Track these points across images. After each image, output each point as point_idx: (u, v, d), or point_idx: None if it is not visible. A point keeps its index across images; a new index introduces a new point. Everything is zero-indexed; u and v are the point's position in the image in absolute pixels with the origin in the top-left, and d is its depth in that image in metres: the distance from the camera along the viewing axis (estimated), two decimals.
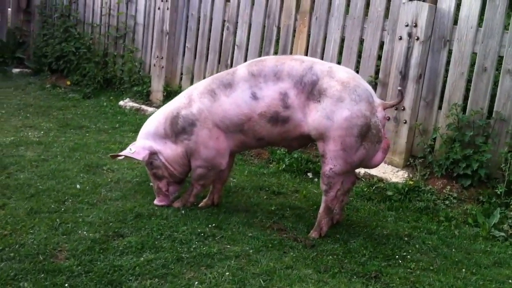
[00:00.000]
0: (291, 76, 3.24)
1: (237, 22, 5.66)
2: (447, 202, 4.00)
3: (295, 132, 3.30)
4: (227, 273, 2.77)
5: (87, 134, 5.17)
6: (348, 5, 4.83)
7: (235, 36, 5.68)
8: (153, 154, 3.45)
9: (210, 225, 3.32)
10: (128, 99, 6.47)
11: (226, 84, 3.34)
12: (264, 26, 5.43)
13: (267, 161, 4.83)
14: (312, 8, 5.04)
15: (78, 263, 2.75)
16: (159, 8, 6.33)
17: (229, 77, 3.36)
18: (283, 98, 3.23)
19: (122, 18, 6.94)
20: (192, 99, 3.43)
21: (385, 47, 4.58)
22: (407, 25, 4.34)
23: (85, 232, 3.07)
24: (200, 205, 3.67)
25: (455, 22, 4.24)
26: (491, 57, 4.06)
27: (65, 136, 5.05)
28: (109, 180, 3.97)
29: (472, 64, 4.19)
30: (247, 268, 2.86)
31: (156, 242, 3.03)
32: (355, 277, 2.91)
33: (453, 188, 4.09)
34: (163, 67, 6.30)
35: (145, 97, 6.47)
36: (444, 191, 4.09)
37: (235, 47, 5.67)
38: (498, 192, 3.87)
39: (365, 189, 4.22)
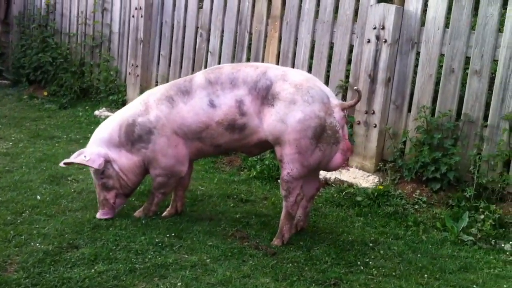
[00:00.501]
0: (246, 82, 3.20)
1: (210, 29, 5.61)
2: (416, 206, 3.94)
3: (253, 138, 3.25)
4: (179, 284, 2.70)
5: (56, 145, 5.10)
6: (318, 9, 4.78)
7: (208, 43, 5.63)
8: (107, 162, 3.34)
9: (169, 235, 3.25)
10: (104, 108, 6.40)
11: (184, 91, 3.28)
12: (236, 32, 5.37)
13: (238, 168, 4.76)
14: (282, 13, 4.99)
15: (27, 276, 2.68)
16: (133, 16, 6.28)
17: (187, 84, 3.31)
18: (239, 106, 3.18)
19: (98, 27, 6.89)
20: (149, 105, 3.35)
21: (354, 50, 4.53)
22: (374, 28, 4.29)
23: (38, 244, 3.00)
24: (163, 214, 3.60)
25: (423, 23, 4.19)
26: (459, 58, 4.01)
27: (34, 146, 4.98)
28: (72, 190, 3.89)
29: (440, 66, 4.13)
30: (202, 278, 2.79)
31: (111, 253, 2.96)
32: (314, 284, 2.84)
33: (422, 192, 4.03)
34: (138, 75, 6.25)
35: (121, 106, 6.35)
36: (414, 195, 4.03)
37: (209, 53, 5.61)
38: (467, 195, 3.81)
39: (335, 195, 4.16)
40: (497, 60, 3.85)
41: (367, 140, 4.38)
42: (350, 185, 4.24)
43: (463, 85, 4.04)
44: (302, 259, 3.11)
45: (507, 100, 3.81)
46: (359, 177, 4.32)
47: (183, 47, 5.91)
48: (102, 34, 6.83)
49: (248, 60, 5.27)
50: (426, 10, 4.17)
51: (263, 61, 5.13)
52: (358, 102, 3.32)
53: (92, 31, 6.97)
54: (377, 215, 3.88)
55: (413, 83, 4.26)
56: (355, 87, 3.41)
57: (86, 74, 6.97)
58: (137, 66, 6.27)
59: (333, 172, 4.40)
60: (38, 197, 3.70)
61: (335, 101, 3.23)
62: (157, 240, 3.15)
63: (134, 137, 3.34)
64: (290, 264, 3.03)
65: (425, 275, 3.03)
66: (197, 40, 5.75)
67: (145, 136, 3.32)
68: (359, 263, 3.12)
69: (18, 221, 3.30)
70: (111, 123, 3.44)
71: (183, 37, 5.89)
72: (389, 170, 4.25)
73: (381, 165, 4.33)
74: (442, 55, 4.11)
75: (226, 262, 2.98)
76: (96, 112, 6.32)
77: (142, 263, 2.88)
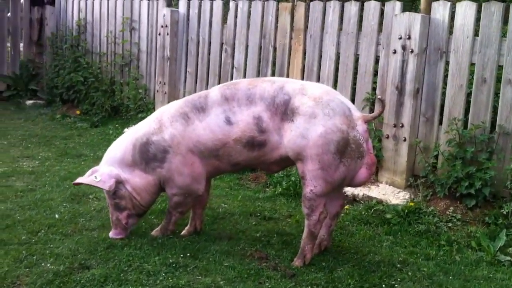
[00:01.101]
0: (263, 98, 3.07)
1: (234, 44, 5.53)
2: (450, 224, 3.71)
3: (273, 155, 3.11)
4: None
5: (82, 163, 5.08)
6: (341, 21, 4.64)
7: (233, 59, 5.55)
8: (119, 183, 3.24)
9: (185, 255, 3.13)
10: (133, 126, 6.37)
11: (199, 108, 3.17)
12: (260, 47, 5.28)
13: (264, 185, 4.62)
14: (306, 25, 4.87)
15: None
16: (159, 34, 6.27)
17: (202, 101, 3.19)
18: (257, 122, 3.05)
19: (127, 46, 6.91)
20: (163, 123, 3.23)
21: (380, 62, 4.36)
22: (400, 38, 4.12)
23: (49, 265, 2.92)
24: (182, 233, 3.49)
25: (451, 32, 3.99)
26: (490, 67, 3.79)
27: (60, 165, 4.96)
28: (92, 209, 3.83)
29: (472, 76, 3.92)
30: None
31: (122, 274, 2.85)
32: None
33: (457, 209, 3.80)
34: (166, 92, 6.21)
35: None
36: (447, 212, 3.80)
37: (234, 69, 5.53)
38: (505, 212, 3.56)
39: (363, 212, 3.97)
40: None
41: (397, 155, 4.19)
42: (379, 201, 4.04)
43: (497, 95, 3.81)
44: (323, 281, 2.94)
45: None
46: (389, 193, 4.12)
47: (208, 63, 5.85)
48: (131, 52, 6.84)
49: (273, 74, 5.16)
50: (453, 18, 3.97)
51: (288, 75, 5.01)
52: (381, 113, 3.17)
53: (121, 50, 7.00)
54: (407, 234, 3.66)
55: (444, 94, 4.05)
56: (378, 96, 3.24)
57: (117, 92, 6.99)
58: (164, 84, 6.23)
59: (362, 189, 4.23)
60: (57, 215, 3.65)
61: (357, 113, 3.08)
62: (171, 261, 3.03)
63: (148, 156, 3.23)
64: (309, 287, 2.86)
65: None
66: (222, 56, 5.68)
67: (160, 155, 3.21)
68: (384, 286, 2.93)
69: (33, 240, 3.25)
70: (124, 142, 3.33)
71: (209, 53, 5.84)
72: (420, 186, 4.04)
73: (412, 181, 4.13)
74: (472, 64, 3.90)
75: (241, 284, 2.84)
76: (125, 130, 6.29)
77: (153, 285, 2.77)
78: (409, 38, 4.06)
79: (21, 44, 8.40)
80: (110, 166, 3.27)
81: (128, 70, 6.90)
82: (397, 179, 4.17)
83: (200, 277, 2.89)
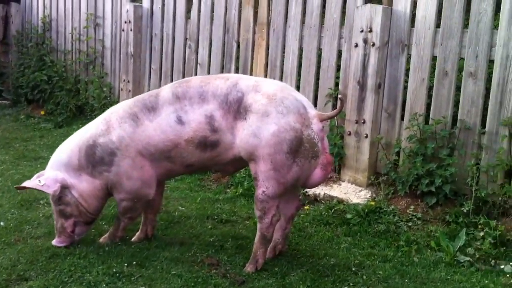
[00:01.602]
0: (216, 96, 2.92)
1: (198, 40, 5.37)
2: (410, 223, 3.60)
3: (227, 155, 2.97)
4: None
5: (39, 166, 4.89)
6: (304, 14, 4.50)
7: (197, 54, 5.39)
8: (64, 188, 3.07)
9: (131, 263, 2.98)
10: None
11: (149, 108, 3.00)
12: (224, 42, 5.13)
13: (225, 186, 4.48)
14: (269, 19, 4.73)
15: None
16: (123, 30, 6.09)
17: (152, 100, 3.02)
18: (210, 121, 2.90)
19: (91, 43, 6.72)
20: (110, 125, 3.06)
21: (343, 56, 4.23)
22: (362, 31, 3.98)
23: None
24: (132, 239, 3.34)
25: (413, 24, 3.86)
26: (452, 59, 3.67)
27: (16, 168, 4.79)
28: (40, 215, 3.67)
29: (433, 69, 3.80)
30: None
31: (61, 286, 2.71)
32: None
33: (417, 208, 3.69)
34: (130, 90, 6.04)
35: None
36: (408, 211, 3.69)
37: (198, 65, 5.37)
38: (465, 211, 3.45)
39: (324, 213, 3.84)
40: (493, 60, 3.50)
41: (359, 152, 4.06)
42: (340, 201, 3.92)
43: (458, 89, 3.69)
44: (274, 287, 2.81)
45: (505, 104, 3.45)
46: (351, 192, 4.00)
47: (173, 59, 5.69)
48: (95, 50, 6.66)
49: (236, 70, 5.01)
50: (416, 9, 3.85)
51: (251, 71, 4.87)
52: (339, 112, 3.03)
53: (86, 47, 6.81)
54: (366, 234, 3.55)
55: (406, 88, 3.93)
56: (339, 96, 3.11)
57: (81, 91, 6.80)
58: (128, 81, 6.07)
59: (323, 188, 4.11)
60: (2, 223, 3.48)
61: (313, 111, 2.95)
62: (114, 270, 2.88)
63: (95, 160, 3.06)
64: None
65: None
66: (187, 52, 5.52)
67: (107, 158, 3.04)
68: None
69: None
70: (70, 145, 3.16)
71: (173, 50, 5.67)
72: (382, 184, 3.92)
73: (373, 179, 4.00)
74: (434, 58, 3.77)
75: None
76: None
77: None
78: (371, 31, 3.94)
79: None
80: (56, 170, 3.10)
81: (92, 68, 6.71)
82: (359, 177, 4.05)
83: (143, 287, 2.75)
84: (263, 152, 2.82)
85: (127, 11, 5.99)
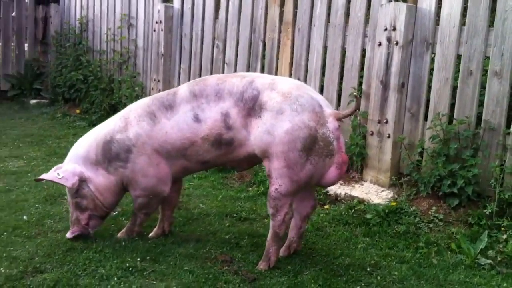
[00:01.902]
0: (232, 94, 2.93)
1: (226, 39, 5.40)
2: (431, 225, 3.52)
3: (241, 152, 2.98)
4: None
5: None
6: (329, 13, 4.46)
7: (224, 54, 5.42)
8: (82, 181, 3.14)
9: (146, 258, 3.01)
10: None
11: (167, 106, 3.03)
12: (250, 42, 5.13)
13: (248, 184, 4.49)
14: (294, 18, 4.71)
15: None
16: (154, 30, 6.18)
17: (170, 98, 3.06)
18: (225, 119, 2.92)
19: (125, 43, 6.85)
20: (129, 122, 3.11)
21: (367, 55, 4.17)
22: (385, 29, 3.93)
23: (2, 268, 2.84)
24: (149, 235, 3.38)
25: (438, 22, 3.78)
26: (477, 58, 3.58)
27: (46, 165, 4.91)
28: (63, 210, 3.75)
29: (458, 69, 3.71)
30: None
31: (74, 279, 2.75)
32: None
33: (439, 209, 3.61)
34: (160, 90, 6.11)
35: None
36: (430, 212, 3.61)
37: (225, 65, 5.40)
38: (488, 213, 3.36)
39: (344, 212, 3.79)
40: None
41: (381, 152, 4.00)
42: (361, 201, 3.87)
43: (484, 88, 3.59)
44: (285, 286, 2.80)
45: None
46: (372, 192, 3.94)
47: (201, 59, 5.73)
48: (129, 50, 6.78)
49: (262, 69, 5.01)
50: (441, 7, 3.76)
51: (276, 70, 4.86)
52: (355, 111, 3.01)
53: (120, 47, 6.94)
54: (385, 235, 3.49)
55: (429, 88, 3.85)
56: (354, 93, 3.07)
57: (115, 90, 6.93)
58: (159, 81, 6.15)
59: (345, 187, 4.08)
60: (25, 217, 3.58)
61: (329, 110, 2.93)
62: (127, 265, 2.92)
63: (111, 155, 3.11)
64: None
65: None
66: (214, 52, 5.55)
67: (123, 155, 3.09)
68: None
69: None
70: (89, 140, 3.23)
71: (201, 49, 5.71)
72: (404, 185, 3.85)
73: (395, 179, 3.93)
74: (459, 56, 3.68)
75: None
76: None
77: None
78: (394, 29, 3.87)
79: (26, 43, 8.40)
80: (74, 163, 3.17)
81: (125, 67, 6.83)
82: (382, 178, 3.99)
83: (154, 282, 2.77)
84: (277, 149, 2.82)
85: (158, 11, 6.08)
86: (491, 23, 3.55)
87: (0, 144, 5.66)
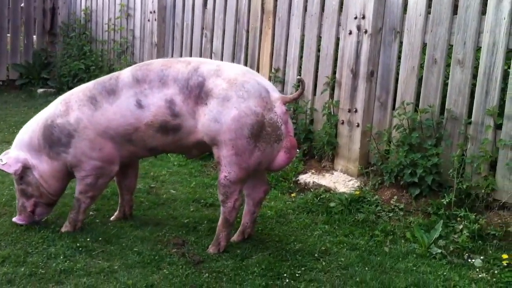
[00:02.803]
0: (177, 80, 2.93)
1: (213, 29, 5.44)
2: (391, 214, 3.51)
3: (190, 140, 2.99)
4: None
5: None
6: (307, 1, 4.46)
7: (212, 44, 5.46)
8: (26, 168, 3.10)
9: (98, 239, 3.09)
10: None
11: (109, 90, 3.01)
12: (235, 31, 5.16)
13: None
14: (275, 8, 4.72)
15: None
16: (148, 20, 6.26)
17: (112, 82, 3.03)
18: (170, 106, 2.92)
19: (124, 33, 6.95)
20: (69, 106, 3.06)
21: (340, 43, 4.16)
22: (355, 18, 3.92)
23: None
24: (111, 218, 3.45)
25: (405, 10, 3.75)
26: (441, 46, 3.54)
27: None
28: None
29: (424, 57, 3.68)
30: (98, 287, 2.60)
31: (23, 256, 2.85)
32: None
33: (401, 199, 3.59)
34: None
35: None
36: (391, 201, 3.60)
37: (213, 54, 5.44)
38: (445, 202, 3.33)
39: (309, 201, 3.81)
40: (481, 47, 3.35)
41: (351, 141, 4.00)
42: (328, 190, 3.88)
43: (448, 77, 3.56)
44: (227, 269, 2.84)
45: (491, 93, 3.29)
46: (340, 181, 3.95)
47: (191, 48, 5.78)
48: (127, 39, 6.88)
49: (246, 59, 5.04)
50: None
51: (258, 60, 4.88)
52: (300, 94, 2.98)
53: (119, 38, 7.05)
54: (345, 223, 3.49)
55: (397, 77, 3.82)
56: (298, 77, 3.08)
57: None
58: None
59: (315, 176, 4.10)
60: None
61: (276, 94, 2.94)
62: (78, 244, 3.00)
63: (52, 140, 3.05)
64: (208, 275, 2.77)
65: None
66: (203, 41, 5.60)
67: (64, 139, 3.04)
68: (287, 275, 2.79)
69: None
70: (32, 125, 3.15)
71: (191, 39, 5.77)
72: (371, 174, 3.84)
73: (362, 169, 3.92)
74: (425, 45, 3.65)
75: (138, 270, 2.78)
76: None
77: (47, 268, 2.74)
78: (364, 17, 3.86)
79: (34, 34, 8.59)
80: (19, 150, 3.14)
81: (124, 57, 6.93)
82: (351, 167, 3.99)
83: (100, 262, 2.85)
84: (225, 137, 2.84)
85: (152, 1, 6.15)
86: (455, 11, 3.50)
87: None
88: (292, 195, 3.93)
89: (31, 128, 3.15)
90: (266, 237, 3.29)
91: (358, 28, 3.89)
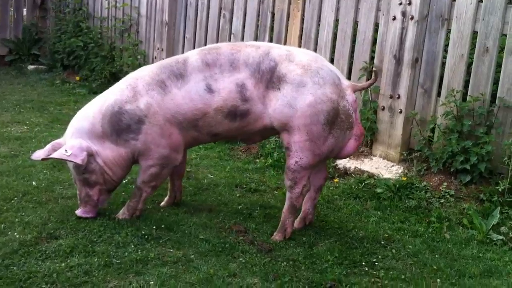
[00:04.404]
0: (248, 64, 2.87)
1: (233, 9, 5.32)
2: (442, 200, 3.54)
3: (256, 125, 2.93)
4: (152, 282, 2.45)
5: None
6: None
7: (231, 24, 5.34)
8: (90, 156, 2.96)
9: (160, 227, 3.01)
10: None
11: (177, 75, 2.91)
12: (258, 12, 5.06)
13: (255, 156, 4.47)
14: None
15: None
16: None
17: (180, 66, 2.93)
18: (241, 90, 2.85)
19: (127, 10, 6.73)
20: (137, 91, 2.94)
21: (380, 29, 4.13)
22: (400, 3, 3.89)
23: (16, 234, 2.81)
24: (161, 204, 3.36)
25: None
26: (493, 35, 3.55)
27: (49, 131, 4.85)
28: (72, 177, 3.70)
29: (474, 45, 3.69)
30: (181, 276, 2.54)
31: (90, 245, 2.74)
32: (307, 287, 2.53)
33: (451, 185, 3.62)
34: (163, 59, 6.01)
35: None
36: (441, 188, 3.62)
37: (232, 35, 5.33)
38: (500, 189, 3.37)
39: (354, 186, 3.80)
40: None
41: (392, 127, 3.99)
42: (371, 175, 3.88)
43: (499, 66, 3.58)
44: (300, 257, 2.81)
45: None
46: (382, 167, 3.95)
47: (207, 29, 5.64)
48: (131, 17, 6.67)
49: (270, 41, 4.95)
50: None
51: (285, 42, 4.80)
52: (372, 84, 2.99)
53: (121, 15, 6.83)
54: (397, 209, 3.51)
55: (443, 64, 3.83)
56: (373, 68, 3.05)
57: (116, 58, 6.83)
58: (162, 50, 6.07)
59: (354, 162, 4.08)
60: (34, 183, 3.55)
61: (346, 82, 2.94)
62: (143, 232, 2.91)
63: (121, 127, 2.94)
64: (285, 263, 2.73)
65: (440, 280, 2.66)
66: (221, 22, 5.47)
67: (134, 126, 2.93)
68: (364, 263, 2.79)
69: (4, 208, 3.14)
70: (92, 112, 3.00)
71: (207, 19, 5.63)
72: (415, 160, 3.85)
73: (406, 155, 3.93)
74: (475, 33, 3.66)
75: (214, 258, 2.72)
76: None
77: (120, 258, 2.65)
78: (410, 3, 3.83)
79: (24, 8, 8.23)
80: (78, 138, 2.98)
81: (128, 35, 6.72)
82: (392, 153, 3.99)
83: (171, 250, 2.77)
84: (299, 122, 2.80)
85: None
86: (509, 0, 3.51)
87: (1, 109, 5.56)
88: (335, 180, 3.91)
89: (91, 115, 3.00)
90: (324, 224, 3.26)
91: (403, 14, 3.86)
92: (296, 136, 2.83)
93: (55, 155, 2.92)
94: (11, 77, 7.40)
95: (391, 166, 3.92)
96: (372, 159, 4.07)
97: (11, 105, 5.77)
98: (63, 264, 2.55)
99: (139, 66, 6.22)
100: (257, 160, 4.38)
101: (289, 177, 2.93)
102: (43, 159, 2.99)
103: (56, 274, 2.47)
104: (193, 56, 2.97)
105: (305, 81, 2.80)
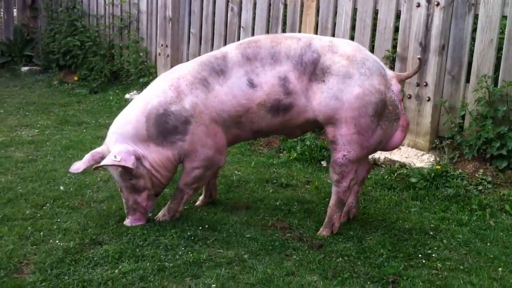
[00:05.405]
0: (290, 57, 2.78)
1: (241, 2, 5.21)
2: (480, 187, 3.49)
3: (298, 119, 2.85)
4: (213, 285, 2.36)
5: (84, 130, 4.83)
6: None
7: (240, 17, 5.24)
8: (137, 160, 2.82)
9: (202, 227, 2.91)
10: (134, 91, 6.10)
11: (218, 71, 2.82)
12: (269, 4, 4.96)
13: (277, 150, 4.39)
14: None
15: (44, 279, 2.38)
16: None
17: (220, 62, 2.83)
18: (284, 84, 2.77)
19: (126, 7, 6.58)
20: (181, 91, 2.83)
21: (402, 16, 4.06)
22: None
23: (57, 241, 2.69)
24: (196, 203, 3.27)
25: None
26: None
27: (61, 133, 4.71)
28: (98, 179, 3.60)
29: (503, 30, 3.64)
30: (239, 277, 2.45)
31: (137, 250, 2.63)
32: (369, 282, 2.47)
33: (487, 171, 3.58)
34: (168, 55, 5.91)
35: None
36: (477, 175, 3.58)
37: (241, 28, 5.22)
38: None
39: (386, 177, 3.75)
40: None
41: (420, 116, 3.94)
42: (403, 165, 3.82)
43: None
44: (353, 251, 2.73)
45: None
46: (412, 156, 3.89)
47: (213, 23, 5.52)
48: (130, 14, 6.51)
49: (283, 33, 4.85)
50: None
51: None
52: (417, 72, 2.95)
53: (120, 12, 6.67)
54: (435, 199, 3.45)
55: (471, 50, 3.78)
56: (418, 56, 2.99)
57: (116, 56, 6.69)
58: (166, 46, 5.93)
59: (383, 152, 3.99)
60: (62, 187, 3.42)
61: (390, 72, 2.88)
62: (189, 234, 2.81)
63: (167, 129, 2.82)
64: (340, 259, 2.66)
65: (499, 268, 2.61)
66: (228, 15, 5.36)
67: (181, 127, 2.82)
68: (420, 255, 2.72)
69: (38, 215, 3.01)
70: (135, 115, 2.87)
71: (213, 12, 5.51)
72: (446, 148, 3.80)
73: (436, 143, 3.89)
74: (504, 17, 3.61)
75: (267, 257, 2.63)
76: (127, 96, 6.04)
77: (172, 261, 2.55)
78: None
79: (15, 9, 8.02)
80: (123, 143, 2.84)
81: (127, 32, 6.57)
82: (420, 141, 3.94)
83: (222, 251, 2.68)
84: (346, 115, 2.72)
85: None
86: None
87: (5, 112, 5.39)
88: None
89: (134, 119, 2.86)
90: (366, 217, 3.20)
91: (428, 1, 3.80)
92: (343, 129, 2.75)
93: (105, 162, 2.77)
94: (6, 79, 7.22)
95: (422, 155, 3.87)
96: (400, 148, 4.00)
97: (13, 108, 5.61)
98: (115, 270, 2.44)
99: (143, 63, 6.14)
100: (281, 155, 4.30)
101: (336, 171, 2.85)
102: (94, 168, 2.82)
103: (110, 281, 2.36)
104: (232, 51, 2.87)
105: (351, 72, 2.73)
